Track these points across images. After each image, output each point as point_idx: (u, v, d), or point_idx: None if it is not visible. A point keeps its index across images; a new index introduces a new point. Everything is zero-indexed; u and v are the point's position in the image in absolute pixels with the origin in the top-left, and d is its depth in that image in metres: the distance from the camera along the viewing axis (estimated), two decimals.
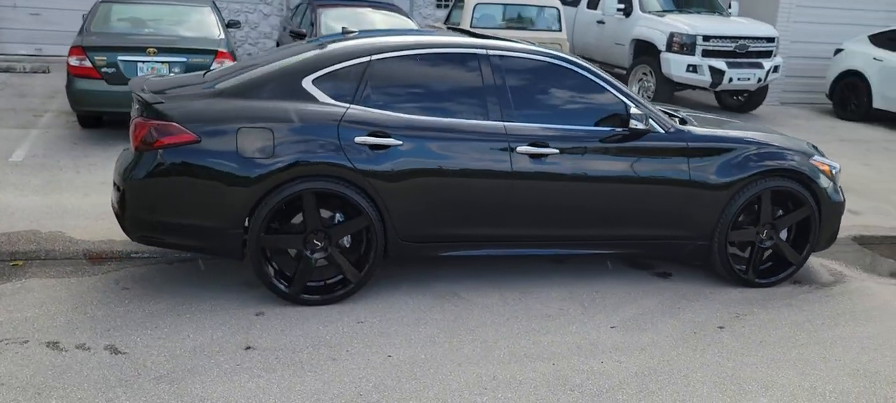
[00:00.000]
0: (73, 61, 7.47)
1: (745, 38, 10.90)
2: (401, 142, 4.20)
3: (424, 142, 4.24)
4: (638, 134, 4.55)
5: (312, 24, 9.72)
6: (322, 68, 4.28)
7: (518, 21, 11.38)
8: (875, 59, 11.52)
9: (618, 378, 3.62)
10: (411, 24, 9.86)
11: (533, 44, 4.86)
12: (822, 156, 5.04)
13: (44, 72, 11.23)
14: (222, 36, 8.33)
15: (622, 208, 4.56)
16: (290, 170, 4.05)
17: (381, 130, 4.19)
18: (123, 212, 4.14)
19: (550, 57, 4.60)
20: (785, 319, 4.42)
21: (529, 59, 4.55)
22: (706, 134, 4.74)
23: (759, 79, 10.96)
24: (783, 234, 4.93)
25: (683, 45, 10.79)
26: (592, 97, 4.60)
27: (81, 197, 6.00)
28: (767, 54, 11.13)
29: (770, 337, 4.16)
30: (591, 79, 4.61)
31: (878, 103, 11.47)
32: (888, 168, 8.63)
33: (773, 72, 11.11)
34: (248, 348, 3.74)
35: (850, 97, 11.94)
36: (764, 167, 4.70)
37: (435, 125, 4.29)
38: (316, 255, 4.23)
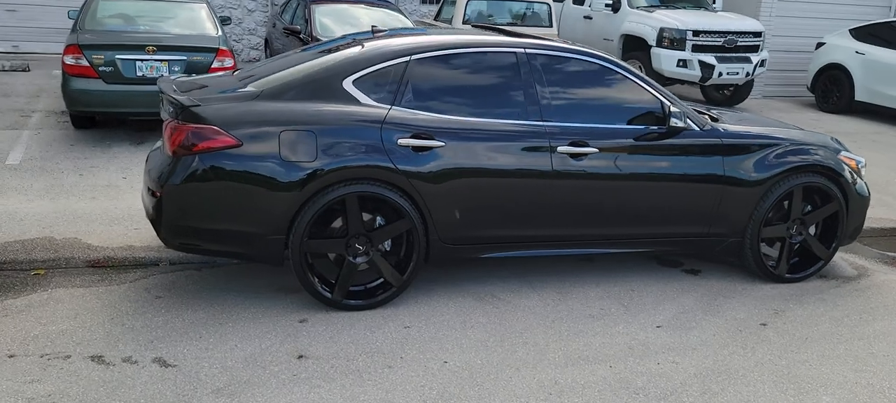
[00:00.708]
0: (69, 60, 7.22)
1: (733, 32, 11.03)
2: (443, 144, 4.13)
3: (467, 143, 4.18)
4: (675, 131, 4.55)
5: (306, 21, 9.56)
6: (362, 69, 4.19)
7: (510, 16, 11.35)
8: (857, 52, 11.75)
9: (678, 379, 3.62)
10: (407, 22, 9.76)
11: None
12: (848, 150, 5.10)
13: (24, 70, 10.86)
14: (220, 33, 8.14)
15: (660, 206, 4.56)
16: (335, 173, 3.95)
17: (424, 132, 4.11)
18: (160, 219, 4.00)
19: (587, 55, 4.57)
20: (822, 315, 4.47)
21: (567, 57, 4.52)
22: (739, 131, 4.76)
23: (748, 74, 11.10)
24: (811, 229, 4.99)
25: (674, 40, 10.88)
26: (628, 95, 4.58)
27: (89, 201, 5.81)
28: (755, 49, 11.28)
29: (813, 334, 4.19)
30: (628, 77, 4.59)
31: (860, 96, 11.70)
32: (882, 160, 8.80)
33: (759, 66, 11.27)
34: (301, 357, 3.65)
35: (832, 90, 12.16)
36: (795, 163, 4.74)
37: (477, 126, 4.23)
38: (358, 260, 4.14)
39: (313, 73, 4.19)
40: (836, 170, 4.85)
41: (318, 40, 9.03)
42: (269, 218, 3.95)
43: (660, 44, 10.95)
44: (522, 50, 4.45)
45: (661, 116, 4.55)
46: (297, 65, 4.48)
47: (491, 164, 4.21)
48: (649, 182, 4.49)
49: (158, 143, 4.79)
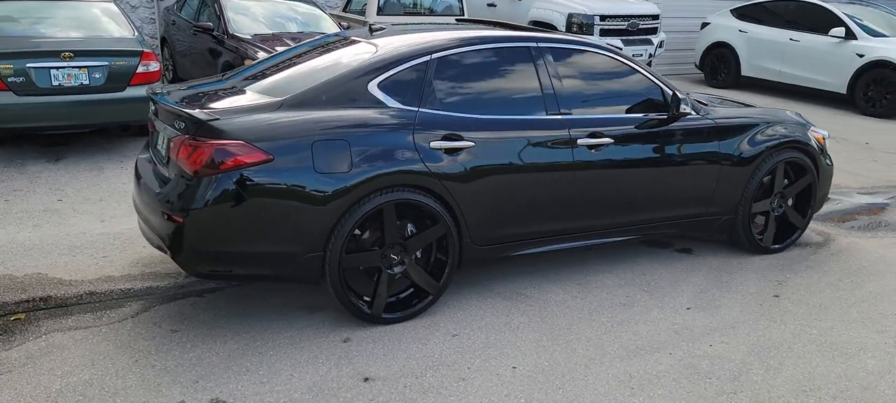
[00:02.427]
0: None
1: (635, 16, 11.52)
2: (473, 143, 4.02)
3: (496, 140, 4.09)
4: (677, 118, 4.67)
5: (218, 17, 8.99)
6: (385, 71, 3.98)
7: (422, 5, 11.24)
8: (740, 31, 12.61)
9: (737, 358, 3.73)
10: (325, 17, 9.42)
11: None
12: (814, 126, 5.46)
13: None
14: (137, 34, 7.48)
15: (669, 190, 4.68)
16: (372, 182, 3.74)
17: (454, 133, 3.98)
18: (182, 246, 3.61)
19: (596, 47, 4.62)
20: (819, 281, 4.77)
21: (576, 49, 4.53)
22: (728, 113, 4.99)
23: (650, 55, 11.64)
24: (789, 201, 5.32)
25: (582, 25, 11.21)
26: (634, 85, 4.66)
27: (33, 229, 5.19)
28: (654, 31, 11.84)
29: (824, 300, 4.46)
30: (632, 67, 4.67)
31: (746, 71, 12.58)
32: None
33: (659, 47, 11.85)
34: (367, 379, 3.44)
35: (719, 67, 13.00)
36: (777, 141, 5.02)
37: (504, 123, 4.15)
38: (395, 270, 3.96)
39: (335, 78, 3.93)
40: (810, 145, 5.18)
41: (234, 38, 8.53)
42: (305, 235, 3.68)
43: (569, 29, 11.23)
44: (536, 43, 4.40)
45: (665, 103, 4.67)
46: (299, 68, 4.22)
47: (520, 160, 4.15)
48: (660, 167, 4.60)
49: (145, 155, 4.35)
